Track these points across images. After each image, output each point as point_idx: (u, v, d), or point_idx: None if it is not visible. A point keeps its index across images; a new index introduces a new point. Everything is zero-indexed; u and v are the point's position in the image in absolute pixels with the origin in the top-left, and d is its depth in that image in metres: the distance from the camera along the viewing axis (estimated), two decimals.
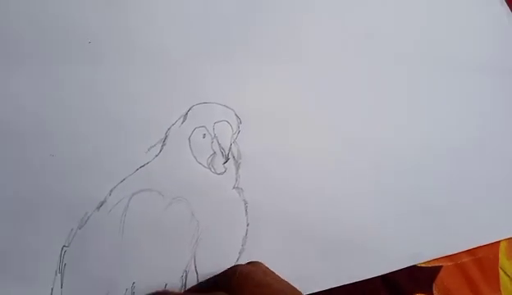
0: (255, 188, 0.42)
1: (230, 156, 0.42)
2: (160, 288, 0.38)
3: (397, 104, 0.49)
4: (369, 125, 0.47)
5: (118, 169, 0.40)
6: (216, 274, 0.39)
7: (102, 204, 0.39)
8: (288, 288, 0.36)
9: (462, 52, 0.53)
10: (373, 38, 0.51)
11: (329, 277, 0.41)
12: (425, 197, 0.45)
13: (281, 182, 0.43)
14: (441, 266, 0.43)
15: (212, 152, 0.42)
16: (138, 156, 0.41)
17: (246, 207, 0.41)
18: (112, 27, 0.45)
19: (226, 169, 0.42)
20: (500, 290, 0.43)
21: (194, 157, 0.42)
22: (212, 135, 0.42)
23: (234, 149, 0.43)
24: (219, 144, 0.42)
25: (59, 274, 0.37)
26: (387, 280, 0.42)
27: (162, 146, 0.41)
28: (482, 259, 0.44)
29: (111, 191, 0.39)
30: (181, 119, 0.43)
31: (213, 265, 0.39)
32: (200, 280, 0.39)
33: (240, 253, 0.40)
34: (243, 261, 0.40)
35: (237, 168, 0.42)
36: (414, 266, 0.43)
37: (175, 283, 0.38)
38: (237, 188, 0.41)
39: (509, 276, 0.43)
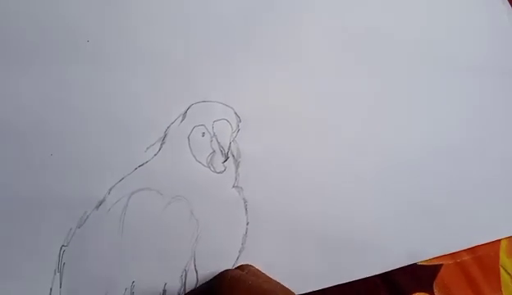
0: (255, 187, 0.42)
1: (229, 154, 0.42)
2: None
3: (397, 104, 0.49)
4: (369, 125, 0.47)
5: (117, 168, 0.40)
6: (215, 273, 0.39)
7: (101, 203, 0.39)
8: (279, 289, 0.36)
9: (462, 51, 0.53)
10: (373, 38, 0.51)
11: (329, 275, 0.41)
12: (425, 195, 0.45)
13: (281, 181, 0.43)
14: (441, 265, 0.43)
15: (211, 151, 0.42)
16: (137, 155, 0.41)
17: (246, 206, 0.41)
18: (110, 26, 0.45)
19: (225, 167, 0.42)
20: (500, 289, 0.43)
21: (194, 156, 0.41)
22: (212, 134, 0.42)
23: (233, 148, 0.42)
24: (218, 143, 0.42)
25: (58, 274, 0.37)
26: (387, 279, 0.42)
27: (162, 145, 0.41)
28: (483, 257, 0.44)
29: (110, 190, 0.39)
30: (180, 117, 0.43)
31: (213, 264, 0.39)
32: (200, 279, 0.39)
33: (239, 252, 0.40)
34: (243, 260, 0.40)
35: (237, 167, 0.42)
36: (415, 265, 0.42)
37: (174, 283, 0.38)
38: (237, 186, 0.41)
39: (509, 274, 0.43)
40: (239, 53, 0.47)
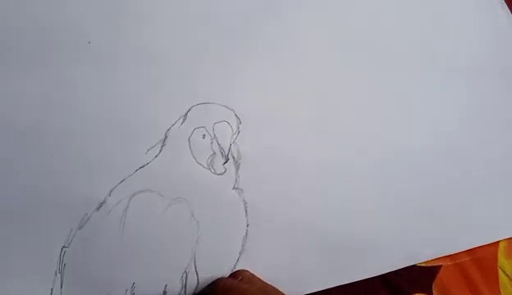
0: (255, 189, 0.42)
1: (229, 156, 0.42)
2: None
3: (397, 104, 0.49)
4: (369, 125, 0.47)
5: (118, 169, 0.40)
6: (216, 274, 0.39)
7: (101, 205, 0.39)
8: (274, 293, 0.36)
9: (462, 54, 0.53)
10: (374, 39, 0.51)
11: (329, 277, 0.41)
12: (424, 196, 0.45)
13: (281, 182, 0.43)
14: (440, 266, 0.43)
15: (211, 153, 0.42)
16: (138, 157, 0.41)
17: (246, 208, 0.41)
18: (112, 27, 0.45)
19: (225, 169, 0.42)
20: (499, 290, 0.43)
21: (194, 158, 0.42)
22: (212, 136, 0.42)
23: (234, 149, 0.42)
24: (219, 145, 0.42)
25: (59, 275, 0.37)
26: (387, 280, 0.42)
27: (162, 146, 0.41)
28: (482, 258, 0.44)
29: (110, 191, 0.39)
30: (181, 119, 0.43)
31: (213, 265, 0.39)
32: (200, 281, 0.39)
33: (239, 254, 0.40)
34: (243, 262, 0.40)
35: (237, 168, 0.42)
36: (414, 266, 0.43)
37: (175, 284, 0.38)
38: (237, 188, 0.41)
39: (508, 276, 0.43)
40: (239, 55, 0.47)
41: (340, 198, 0.43)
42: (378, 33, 0.52)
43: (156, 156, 0.41)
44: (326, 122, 0.46)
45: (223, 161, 0.42)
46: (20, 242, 0.37)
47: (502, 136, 0.50)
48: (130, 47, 0.45)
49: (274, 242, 0.41)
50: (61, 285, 0.37)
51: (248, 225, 0.41)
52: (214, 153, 0.42)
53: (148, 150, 0.41)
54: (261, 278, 0.39)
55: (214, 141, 0.42)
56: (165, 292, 0.38)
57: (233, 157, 0.42)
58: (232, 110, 0.44)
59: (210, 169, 0.41)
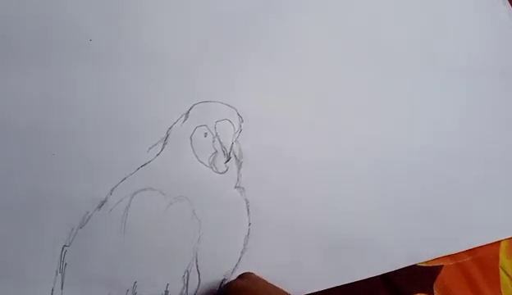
0: (257, 188, 0.42)
1: (231, 155, 0.42)
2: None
3: (397, 104, 0.49)
4: (370, 125, 0.47)
5: (119, 168, 0.40)
6: (217, 273, 0.39)
7: (103, 203, 0.39)
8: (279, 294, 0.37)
9: (463, 52, 0.53)
10: (374, 39, 0.51)
11: (330, 276, 0.41)
12: (426, 197, 0.45)
13: (283, 181, 0.43)
14: (441, 266, 0.43)
15: (213, 151, 0.42)
16: (139, 155, 0.41)
17: (248, 207, 0.41)
18: (114, 27, 0.45)
19: (227, 168, 0.42)
20: (500, 290, 0.43)
21: (196, 156, 0.41)
22: (214, 134, 0.42)
23: (235, 148, 0.42)
24: (221, 143, 0.42)
25: (60, 274, 0.37)
26: (388, 280, 0.42)
27: (164, 145, 0.41)
28: (483, 258, 0.44)
29: (112, 190, 0.39)
30: (183, 118, 0.42)
31: (215, 264, 0.39)
32: (202, 280, 0.39)
33: (241, 253, 0.40)
34: (245, 261, 0.40)
35: (239, 167, 0.42)
36: (415, 266, 0.43)
37: (176, 283, 0.38)
38: (239, 187, 0.41)
39: (509, 276, 0.44)
40: (241, 54, 0.47)
41: (342, 198, 0.43)
42: (378, 33, 0.52)
43: (157, 155, 0.41)
44: (328, 123, 0.46)
45: (225, 159, 0.42)
46: (22, 241, 0.37)
47: (502, 136, 0.50)
48: (131, 47, 0.45)
49: (276, 241, 0.41)
50: (62, 285, 0.36)
51: (249, 224, 0.41)
52: (216, 152, 0.42)
53: (149, 148, 0.41)
54: (263, 277, 0.39)
55: (216, 139, 0.42)
56: (167, 291, 0.38)
57: (235, 156, 0.42)
58: (234, 108, 0.44)
59: (212, 167, 0.41)
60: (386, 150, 0.47)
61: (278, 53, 0.48)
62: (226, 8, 0.49)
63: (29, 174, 0.39)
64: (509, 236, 0.45)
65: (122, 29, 0.45)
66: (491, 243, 0.45)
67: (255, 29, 0.49)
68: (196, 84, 0.44)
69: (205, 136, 0.42)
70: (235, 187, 0.41)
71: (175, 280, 0.38)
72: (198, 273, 0.39)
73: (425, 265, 0.43)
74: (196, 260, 0.39)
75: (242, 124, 0.43)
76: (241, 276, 0.39)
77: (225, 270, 0.39)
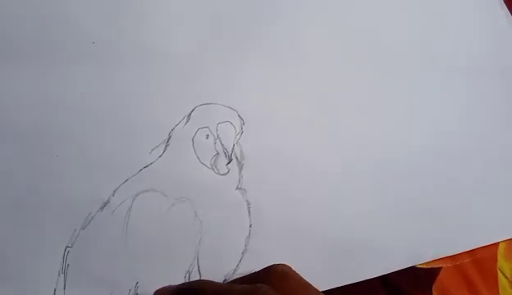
0: (258, 189, 0.42)
1: (233, 156, 0.42)
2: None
3: (397, 104, 0.49)
4: (370, 125, 0.47)
5: (121, 169, 0.40)
6: (219, 274, 0.39)
7: (105, 204, 0.39)
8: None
9: (462, 54, 0.53)
10: (374, 39, 0.51)
11: (330, 277, 0.41)
12: (425, 197, 0.45)
13: (284, 183, 0.43)
14: (440, 267, 0.43)
15: (215, 153, 0.42)
16: (141, 157, 0.41)
17: (249, 208, 0.41)
18: (115, 28, 0.45)
19: (229, 169, 0.42)
20: (498, 292, 0.43)
21: (198, 158, 0.42)
22: (216, 136, 0.42)
23: (237, 150, 0.43)
24: (222, 145, 0.42)
25: (62, 275, 0.37)
26: (387, 281, 0.42)
27: (166, 146, 0.41)
28: (481, 260, 0.44)
29: (114, 191, 0.39)
30: (185, 119, 0.43)
31: (216, 265, 0.39)
32: None
33: (242, 254, 0.40)
34: (246, 262, 0.40)
35: (240, 169, 0.42)
36: (414, 267, 0.43)
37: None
38: (240, 188, 0.42)
39: (507, 278, 0.44)
40: (242, 55, 0.47)
41: (342, 199, 0.44)
42: (378, 33, 0.52)
43: (160, 156, 0.41)
44: (329, 123, 0.46)
45: (226, 161, 0.42)
46: (23, 242, 0.37)
47: (502, 136, 0.50)
48: (133, 48, 0.45)
49: (277, 242, 0.41)
50: (65, 286, 0.37)
51: (251, 226, 0.41)
52: (217, 153, 0.42)
53: (151, 150, 0.41)
54: None
55: (217, 141, 0.42)
56: None
57: (236, 158, 0.42)
58: (236, 110, 0.44)
59: (213, 169, 0.42)
60: (386, 150, 0.47)
61: (277, 54, 0.48)
62: (226, 8, 0.49)
63: (32, 174, 0.39)
64: (508, 237, 0.45)
65: (124, 29, 0.45)
66: (489, 245, 0.45)
67: (255, 29, 0.49)
68: (197, 86, 0.44)
69: (207, 138, 0.42)
70: (237, 188, 0.42)
71: (176, 281, 0.38)
72: (200, 273, 0.39)
73: (424, 266, 0.43)
74: (198, 261, 0.39)
75: (243, 126, 0.43)
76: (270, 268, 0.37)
77: (226, 270, 0.39)
